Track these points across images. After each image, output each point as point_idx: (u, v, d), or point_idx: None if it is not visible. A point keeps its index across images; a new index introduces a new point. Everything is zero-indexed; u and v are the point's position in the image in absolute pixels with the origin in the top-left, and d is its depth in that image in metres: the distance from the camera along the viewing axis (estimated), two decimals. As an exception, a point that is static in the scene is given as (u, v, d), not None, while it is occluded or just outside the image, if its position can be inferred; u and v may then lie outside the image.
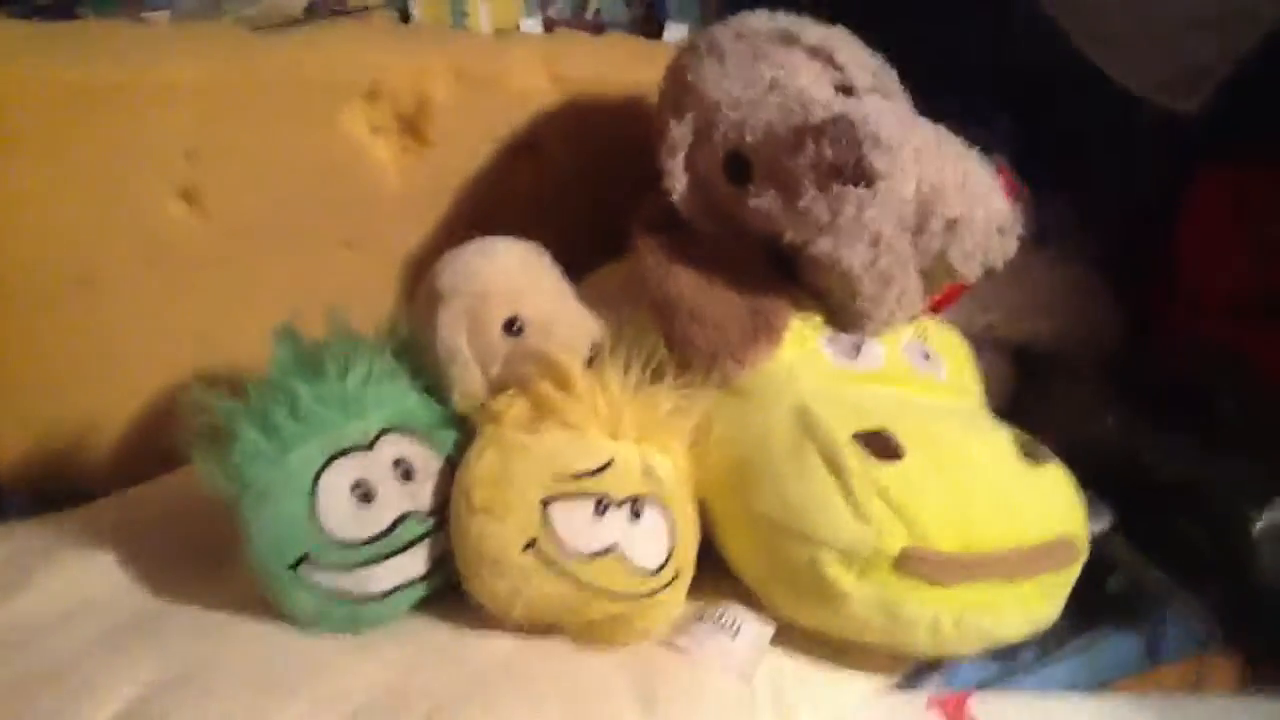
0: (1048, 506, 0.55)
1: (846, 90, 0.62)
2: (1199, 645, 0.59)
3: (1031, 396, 0.74)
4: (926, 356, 0.62)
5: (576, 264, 0.65)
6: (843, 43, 0.64)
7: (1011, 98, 0.87)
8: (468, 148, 0.75)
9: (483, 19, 0.88)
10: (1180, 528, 0.61)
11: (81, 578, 0.58)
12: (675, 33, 0.96)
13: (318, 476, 0.52)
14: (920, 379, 0.61)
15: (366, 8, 0.81)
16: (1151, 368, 0.75)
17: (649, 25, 0.97)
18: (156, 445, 0.60)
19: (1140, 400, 0.70)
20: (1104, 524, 0.62)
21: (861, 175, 0.57)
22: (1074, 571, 0.56)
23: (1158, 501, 0.62)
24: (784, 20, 0.65)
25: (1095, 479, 0.62)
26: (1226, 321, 0.76)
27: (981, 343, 0.73)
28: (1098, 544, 0.59)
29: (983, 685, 0.57)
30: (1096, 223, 0.84)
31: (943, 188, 0.57)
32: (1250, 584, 0.59)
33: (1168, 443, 0.65)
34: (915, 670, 0.57)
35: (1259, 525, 0.58)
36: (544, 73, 0.76)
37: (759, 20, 0.65)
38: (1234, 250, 0.77)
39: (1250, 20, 0.75)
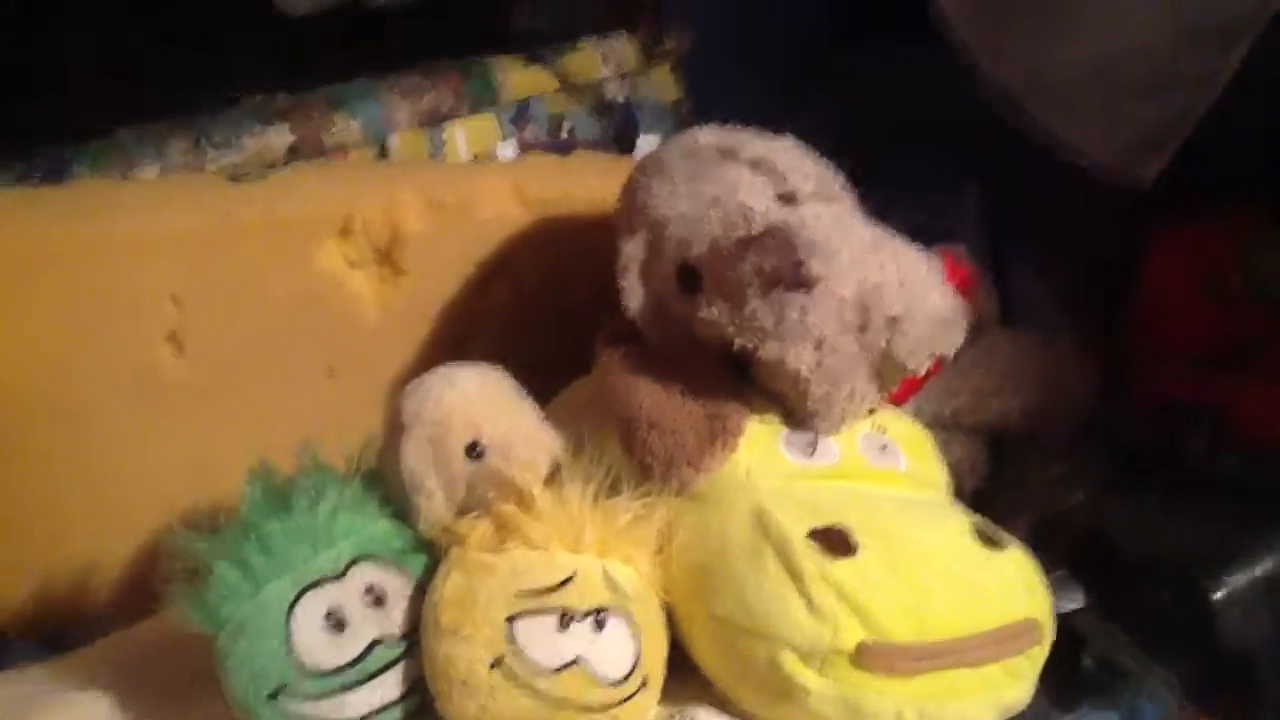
0: (1007, 590, 0.56)
1: (787, 198, 0.65)
2: (1173, 716, 0.60)
3: (1004, 479, 0.75)
4: (884, 448, 0.64)
5: (551, 379, 0.66)
6: (783, 152, 0.66)
7: (978, 166, 0.89)
8: (441, 274, 0.77)
9: (460, 147, 0.91)
10: (1147, 599, 0.62)
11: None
12: (648, 145, 0.98)
13: (291, 609, 0.54)
14: (877, 471, 0.62)
15: (344, 146, 0.84)
16: (1124, 428, 0.76)
17: (624, 139, 1.00)
18: (156, 581, 0.62)
19: (1112, 463, 0.72)
20: (1075, 603, 0.62)
21: (800, 281, 0.59)
22: (1040, 653, 0.57)
23: (1126, 574, 0.63)
24: (728, 135, 0.68)
25: (1068, 556, 0.63)
26: (1196, 376, 0.77)
27: (952, 429, 0.75)
28: (1071, 623, 0.60)
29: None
30: (1064, 288, 0.86)
31: (882, 286, 0.59)
32: (1215, 651, 0.60)
33: (1134, 514, 0.66)
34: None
35: (1219, 594, 0.59)
36: (512, 197, 0.79)
37: (705, 135, 0.68)
38: (1195, 305, 0.79)
39: (1194, 88, 0.77)
